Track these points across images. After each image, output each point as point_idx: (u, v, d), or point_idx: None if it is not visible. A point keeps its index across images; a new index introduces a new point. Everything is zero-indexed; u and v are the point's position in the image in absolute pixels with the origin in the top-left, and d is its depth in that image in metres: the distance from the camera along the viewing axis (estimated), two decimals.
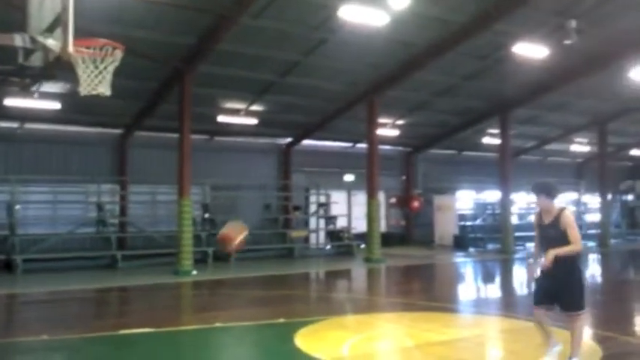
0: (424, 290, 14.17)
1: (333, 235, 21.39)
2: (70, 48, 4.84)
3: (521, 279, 15.72)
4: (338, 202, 21.98)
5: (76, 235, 17.38)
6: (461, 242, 23.33)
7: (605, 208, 25.25)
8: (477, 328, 8.97)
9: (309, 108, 19.59)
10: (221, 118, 18.89)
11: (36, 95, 14.60)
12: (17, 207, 16.47)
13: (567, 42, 15.62)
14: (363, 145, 23.77)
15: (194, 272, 14.88)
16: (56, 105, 15.72)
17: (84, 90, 5.74)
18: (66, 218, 17.65)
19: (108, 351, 7.51)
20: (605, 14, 15.48)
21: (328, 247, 21.30)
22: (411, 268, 17.78)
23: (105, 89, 5.81)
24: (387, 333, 8.78)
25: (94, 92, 5.76)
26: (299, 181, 22.51)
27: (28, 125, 17.66)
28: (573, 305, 6.04)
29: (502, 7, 14.21)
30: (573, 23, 15.37)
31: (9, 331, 8.80)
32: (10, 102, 15.16)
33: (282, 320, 9.33)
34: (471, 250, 22.79)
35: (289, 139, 22.56)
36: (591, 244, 25.72)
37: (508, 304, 11.85)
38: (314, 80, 17.24)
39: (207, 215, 19.24)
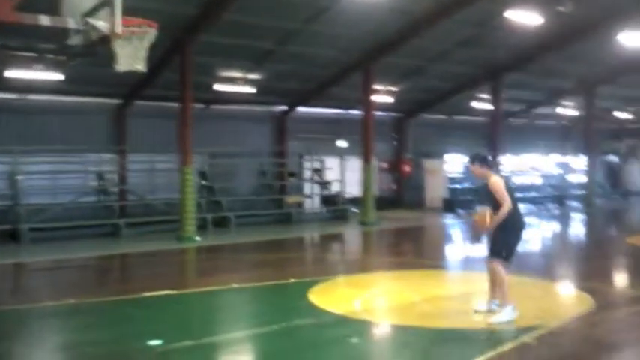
0: (420, 250, 14.85)
1: (328, 200, 21.90)
2: (119, 28, 5.21)
3: None
4: (332, 168, 22.44)
5: (78, 204, 17.68)
6: (450, 205, 24.00)
7: (590, 169, 25.98)
8: (478, 283, 9.55)
9: (305, 75, 19.88)
10: (217, 87, 19.13)
11: (41, 67, 14.75)
12: (19, 177, 16.72)
13: (561, 9, 16.02)
14: (355, 112, 24.17)
15: (197, 238, 15.34)
16: (59, 76, 15.87)
17: (122, 67, 6.11)
18: (67, 188, 17.90)
19: (139, 312, 8.00)
20: None
21: (324, 211, 21.82)
22: (404, 230, 18.42)
23: (142, 66, 6.19)
24: (394, 289, 9.36)
25: (131, 69, 6.14)
26: (293, 147, 22.89)
27: (30, 96, 17.80)
28: (491, 251, 7.07)
29: None
30: None
31: (35, 296, 9.23)
32: (11, 74, 15.30)
33: (292, 280, 9.88)
34: (460, 212, 23.46)
35: (284, 107, 22.87)
36: (576, 204, 26.63)
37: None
38: (312, 48, 17.51)
39: (204, 183, 19.62)
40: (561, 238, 18.12)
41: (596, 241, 16.13)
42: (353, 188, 23.79)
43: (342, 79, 20.14)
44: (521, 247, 15.28)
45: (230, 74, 19.03)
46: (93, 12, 5.33)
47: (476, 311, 7.19)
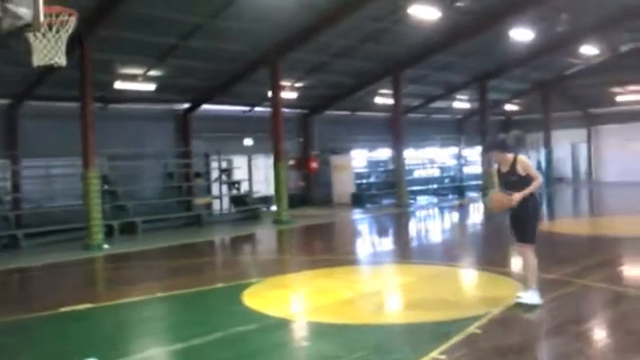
0: (340, 246, 14.83)
1: (238, 200, 21.46)
2: (41, 16, 4.64)
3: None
4: (241, 167, 22.00)
5: None
6: (358, 199, 24.30)
7: (485, 160, 27.15)
8: (405, 277, 9.62)
9: (210, 71, 19.29)
10: (118, 85, 18.17)
11: None
12: None
13: (459, 4, 16.57)
14: (261, 109, 23.89)
15: (106, 246, 14.47)
16: None
17: (39, 61, 5.52)
18: None
19: (62, 329, 7.35)
20: None
21: (232, 212, 21.34)
22: (319, 227, 18.37)
23: (62, 59, 5.61)
24: (325, 287, 9.19)
25: (50, 63, 5.55)
26: (199, 147, 22.20)
27: None
28: (524, 237, 7.08)
29: None
30: None
31: None
32: None
33: (220, 285, 9.51)
34: (368, 206, 23.82)
35: (187, 105, 22.12)
36: (475, 194, 27.80)
37: (422, 252, 12.74)
38: (217, 43, 17.00)
39: (107, 187, 18.56)
40: (474, 227, 18.65)
41: (505, 229, 16.75)
42: (261, 186, 23.52)
43: (248, 76, 19.75)
44: (437, 237, 15.65)
45: (129, 71, 18.12)
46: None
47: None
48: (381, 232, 17.80)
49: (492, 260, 11.40)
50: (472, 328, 6.30)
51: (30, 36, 5.49)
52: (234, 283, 9.41)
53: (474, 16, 18.52)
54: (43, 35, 5.51)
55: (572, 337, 6.04)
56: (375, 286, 9.27)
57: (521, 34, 20.33)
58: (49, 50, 5.53)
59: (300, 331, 6.69)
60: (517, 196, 6.85)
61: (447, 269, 10.51)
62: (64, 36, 5.61)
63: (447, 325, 6.57)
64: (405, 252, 13.02)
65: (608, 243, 12.49)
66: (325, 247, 14.64)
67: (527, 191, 6.87)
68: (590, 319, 6.82)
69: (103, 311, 8.09)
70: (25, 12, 4.65)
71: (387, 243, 15.40)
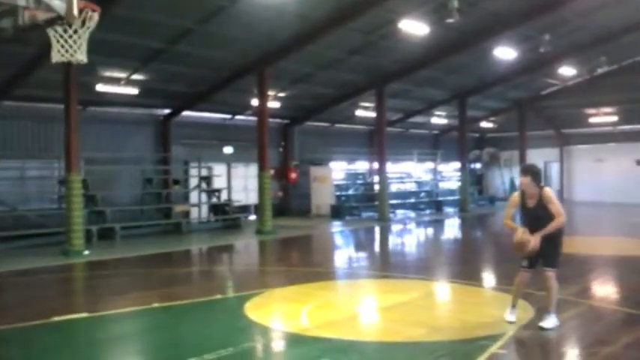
0: (331, 259, 14.56)
1: (218, 209, 21.06)
2: (76, 9, 4.36)
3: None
4: (221, 175, 21.63)
5: None
6: (338, 211, 24.12)
7: (464, 176, 27.34)
8: (410, 292, 9.42)
9: (194, 77, 18.95)
10: (100, 88, 17.68)
11: None
12: None
13: (450, 21, 16.56)
14: (242, 117, 23.61)
15: (86, 252, 13.97)
16: None
17: (59, 57, 5.20)
18: None
19: (58, 340, 6.94)
20: None
21: (212, 220, 20.91)
22: (305, 238, 18.11)
23: (83, 56, 5.31)
24: (329, 301, 8.96)
25: (70, 60, 5.24)
26: (178, 153, 21.76)
27: None
28: (551, 263, 6.80)
29: None
30: (455, 3, 16.34)
31: None
32: None
33: (219, 296, 9.20)
34: (348, 218, 23.66)
35: (167, 110, 21.68)
36: (451, 209, 27.92)
37: (420, 267, 12.57)
38: (205, 49, 16.68)
39: (84, 191, 17.96)
40: (463, 242, 18.21)
41: (496, 244, 16.72)
42: (240, 196, 23.15)
43: (233, 83, 19.47)
44: (431, 252, 15.48)
45: (112, 74, 17.65)
46: None
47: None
48: (372, 245, 17.62)
49: (495, 277, 11.35)
50: (494, 349, 6.15)
51: (50, 31, 5.18)
52: (233, 295, 9.12)
53: (460, 32, 18.63)
54: (65, 31, 5.21)
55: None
56: (380, 301, 9.07)
57: (505, 53, 20.56)
58: (70, 46, 5.21)
59: (313, 348, 6.43)
60: (536, 241, 6.60)
61: (449, 285, 10.40)
62: (86, 33, 5.29)
63: (464, 345, 6.42)
64: (402, 266, 12.84)
65: (598, 262, 12.55)
66: (318, 259, 14.37)
67: (546, 231, 6.59)
68: (614, 340, 6.67)
69: (101, 321, 7.69)
70: (58, 4, 4.37)
71: (381, 256, 15.21)
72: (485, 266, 13.06)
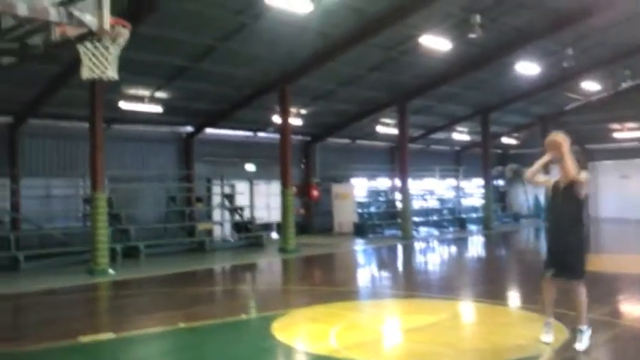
0: (357, 278, 14.36)
1: (240, 227, 20.98)
2: (107, 23, 4.31)
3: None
4: (243, 193, 21.59)
5: None
6: (361, 229, 23.91)
7: (488, 193, 27.01)
8: (438, 313, 9.20)
9: (216, 95, 19.03)
10: (123, 105, 17.80)
11: None
12: None
13: (472, 36, 16.44)
14: (263, 135, 23.61)
15: (111, 271, 13.93)
16: None
17: (90, 74, 5.15)
18: None
19: None
20: (503, 11, 16.54)
21: (234, 239, 20.79)
22: (329, 257, 17.92)
23: (114, 73, 5.26)
24: (357, 322, 8.79)
25: (101, 76, 5.19)
26: (200, 171, 21.80)
27: None
28: (577, 273, 6.56)
29: None
30: (478, 18, 16.23)
31: None
32: None
33: (245, 317, 9.08)
34: (371, 236, 23.42)
35: (190, 128, 21.76)
36: (475, 227, 27.52)
37: (447, 286, 12.30)
38: (227, 66, 16.75)
39: (109, 210, 18.01)
40: (488, 261, 17.84)
41: (522, 262, 16.40)
42: (262, 213, 23.09)
43: (255, 101, 19.50)
44: (459, 272, 15.09)
45: (138, 92, 17.77)
46: (71, 2, 4.33)
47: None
48: (396, 264, 17.36)
49: (521, 296, 11.07)
50: None
51: (81, 48, 5.14)
52: (258, 315, 8.98)
53: (482, 48, 18.49)
54: (95, 47, 5.16)
55: None
56: (407, 322, 8.84)
57: (527, 68, 20.35)
58: (101, 63, 5.16)
59: None
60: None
61: (475, 305, 10.15)
62: (117, 50, 5.24)
63: None
64: (427, 285, 12.61)
65: (627, 281, 12.17)
66: (342, 278, 14.16)
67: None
68: None
69: (127, 342, 7.60)
70: (90, 19, 4.32)
71: (406, 275, 14.95)
72: (512, 285, 12.78)
